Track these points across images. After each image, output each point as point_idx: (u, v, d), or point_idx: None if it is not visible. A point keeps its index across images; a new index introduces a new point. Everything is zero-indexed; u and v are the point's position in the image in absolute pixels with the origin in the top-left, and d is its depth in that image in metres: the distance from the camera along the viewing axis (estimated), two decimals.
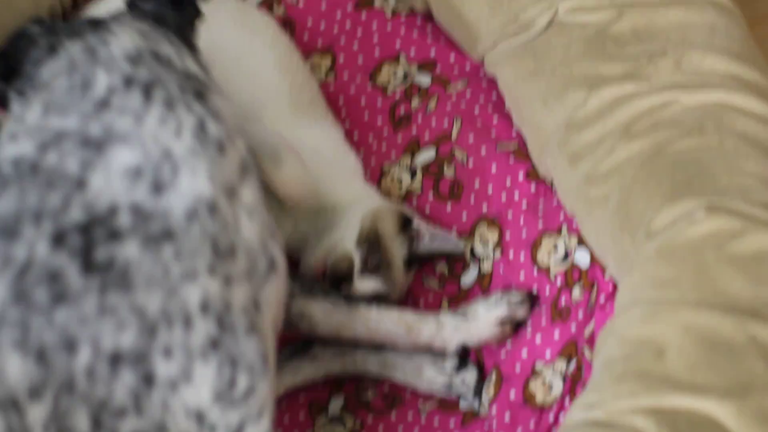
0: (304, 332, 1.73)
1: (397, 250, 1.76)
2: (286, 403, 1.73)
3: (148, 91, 1.44)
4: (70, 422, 1.35)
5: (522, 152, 1.81)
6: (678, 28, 1.68)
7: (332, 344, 1.75)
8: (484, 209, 1.81)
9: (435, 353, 1.74)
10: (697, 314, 1.45)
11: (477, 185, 1.82)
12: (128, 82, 1.45)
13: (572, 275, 1.71)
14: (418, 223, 1.78)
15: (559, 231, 1.74)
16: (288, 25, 1.99)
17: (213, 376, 1.39)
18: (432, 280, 1.81)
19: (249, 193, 1.49)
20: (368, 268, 1.74)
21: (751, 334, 1.42)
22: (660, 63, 1.65)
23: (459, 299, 1.80)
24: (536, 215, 1.76)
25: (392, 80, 1.94)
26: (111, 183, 1.38)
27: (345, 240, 1.75)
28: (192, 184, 1.41)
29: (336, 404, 1.75)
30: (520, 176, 1.80)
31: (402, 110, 1.92)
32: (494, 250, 1.79)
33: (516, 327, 1.74)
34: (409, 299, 1.80)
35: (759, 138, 1.58)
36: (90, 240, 1.36)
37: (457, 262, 1.81)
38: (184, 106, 1.45)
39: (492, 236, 1.79)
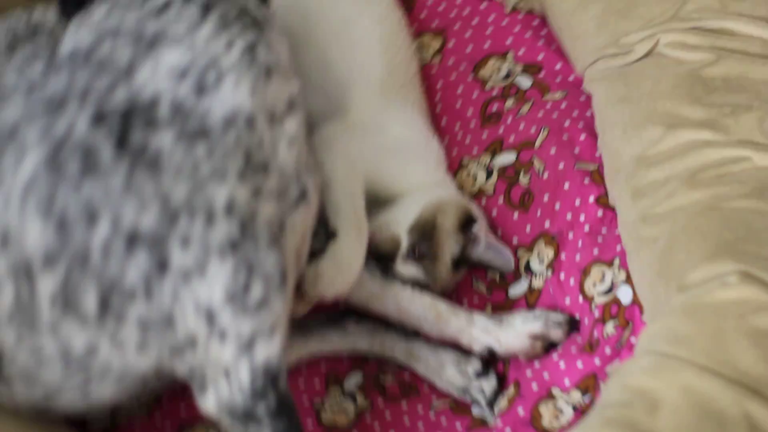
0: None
1: (448, 247, 1.77)
2: (306, 368, 1.78)
3: (207, 7, 1.48)
4: (77, 299, 1.40)
5: (599, 175, 1.78)
6: None
7: (365, 322, 1.78)
8: (547, 225, 1.80)
9: (461, 354, 1.76)
10: (701, 378, 1.42)
11: (546, 199, 1.81)
12: (207, 8, 1.49)
13: (610, 310, 1.69)
14: (479, 227, 1.78)
15: (611, 262, 1.71)
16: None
17: (227, 276, 1.41)
18: (481, 284, 1.82)
19: (293, 125, 1.52)
20: (414, 255, 1.75)
21: (746, 410, 1.39)
22: (742, 117, 1.61)
23: (503, 308, 1.80)
24: (595, 241, 1.74)
25: (494, 76, 1.94)
26: (156, 77, 1.43)
27: (399, 222, 1.77)
28: (234, 94, 1.44)
29: (353, 380, 1.78)
30: (591, 199, 1.77)
31: (495, 107, 1.91)
32: (548, 268, 1.78)
33: (548, 347, 1.74)
34: (454, 298, 1.81)
35: None
36: (128, 124, 1.40)
37: (509, 273, 1.81)
38: (238, 28, 1.48)
39: (549, 254, 1.78)
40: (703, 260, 1.51)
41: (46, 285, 1.40)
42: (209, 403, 1.47)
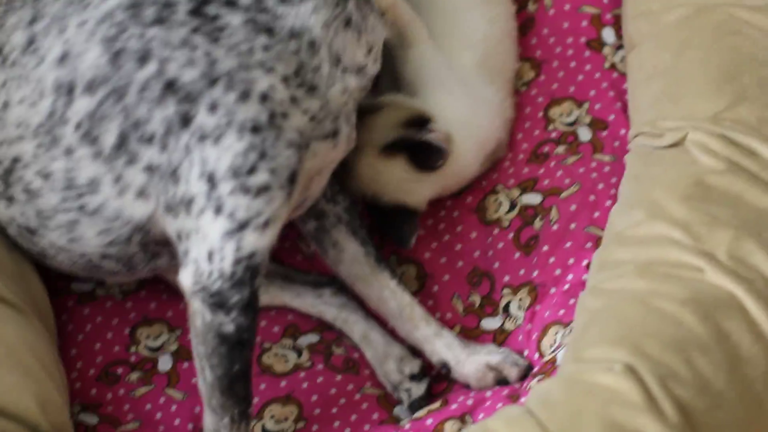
0: (328, 262, 1.90)
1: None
2: (274, 313, 1.93)
3: None
4: (100, 129, 1.60)
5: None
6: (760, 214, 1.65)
7: (342, 295, 1.92)
8: (535, 274, 1.88)
9: (410, 354, 1.87)
10: None
11: (545, 249, 1.88)
12: None
13: (545, 367, 1.76)
14: (435, 137, 1.87)
15: (568, 325, 1.78)
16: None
17: (238, 152, 1.56)
18: (460, 303, 1.91)
19: (354, 84, 1.67)
20: None
21: None
22: (718, 231, 1.63)
23: (471, 335, 1.89)
24: (566, 303, 1.80)
25: (561, 118, 2.02)
26: None
27: None
28: (309, 16, 1.60)
29: (307, 339, 1.92)
30: (584, 262, 1.83)
31: (546, 149, 1.99)
32: (523, 316, 1.86)
33: (500, 382, 1.83)
34: (429, 306, 1.92)
35: None
36: None
37: (489, 305, 1.90)
38: None
39: (527, 302, 1.86)
40: (605, 342, 1.56)
41: (80, 107, 1.60)
42: (187, 277, 1.61)
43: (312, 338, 1.92)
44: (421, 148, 1.87)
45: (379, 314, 1.90)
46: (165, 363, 1.89)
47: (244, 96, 1.57)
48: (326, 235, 1.88)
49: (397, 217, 1.90)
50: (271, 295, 1.92)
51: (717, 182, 1.68)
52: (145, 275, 1.83)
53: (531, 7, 2.13)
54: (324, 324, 1.93)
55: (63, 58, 1.61)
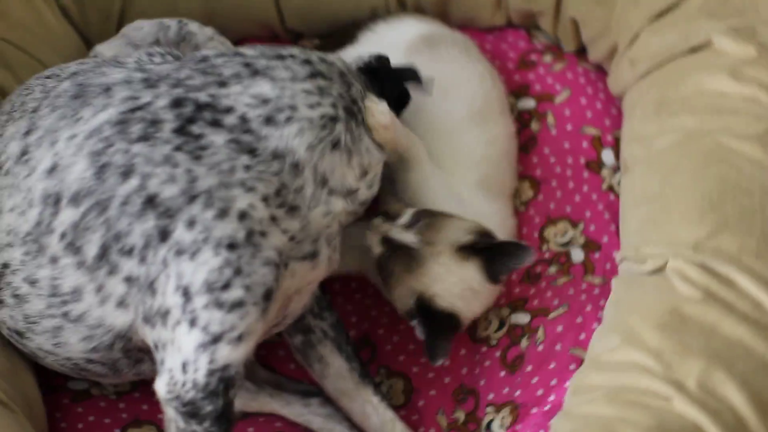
0: (314, 376, 1.94)
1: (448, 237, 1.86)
2: (262, 420, 1.96)
3: (314, 75, 1.73)
4: (83, 241, 1.65)
5: None
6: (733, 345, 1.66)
7: (329, 406, 1.94)
8: (518, 394, 1.90)
9: None
10: None
11: (529, 369, 1.91)
12: (307, 62, 1.75)
13: None
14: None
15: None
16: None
17: (213, 267, 1.61)
18: (443, 418, 1.93)
19: (340, 207, 1.73)
20: (413, 225, 1.85)
21: None
22: (689, 360, 1.64)
23: None
24: (545, 424, 1.81)
25: (556, 239, 2.05)
26: (242, 96, 1.69)
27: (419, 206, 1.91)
28: (294, 139, 1.67)
29: None
30: (566, 384, 1.83)
31: (538, 269, 2.02)
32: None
33: None
34: (412, 420, 1.94)
35: None
36: (197, 115, 1.66)
37: (472, 422, 1.92)
38: (331, 99, 1.72)
39: (507, 421, 1.88)
40: None
41: (65, 218, 1.66)
42: (162, 386, 1.65)
43: None
44: (497, 253, 1.86)
45: (362, 428, 1.93)
46: None
47: (222, 213, 1.62)
48: (312, 349, 1.92)
49: (440, 328, 1.87)
50: (261, 402, 1.96)
51: (692, 311, 1.70)
52: (132, 379, 1.87)
53: (534, 126, 2.17)
54: None
55: (52, 170, 1.68)
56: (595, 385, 1.70)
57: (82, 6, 2.20)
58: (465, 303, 1.86)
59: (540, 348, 1.92)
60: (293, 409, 1.97)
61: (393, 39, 2.13)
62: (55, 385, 1.97)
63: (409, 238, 1.84)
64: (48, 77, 1.82)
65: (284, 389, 1.99)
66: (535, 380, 1.89)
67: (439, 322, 1.86)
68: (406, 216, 1.86)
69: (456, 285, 1.85)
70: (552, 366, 1.89)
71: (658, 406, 1.62)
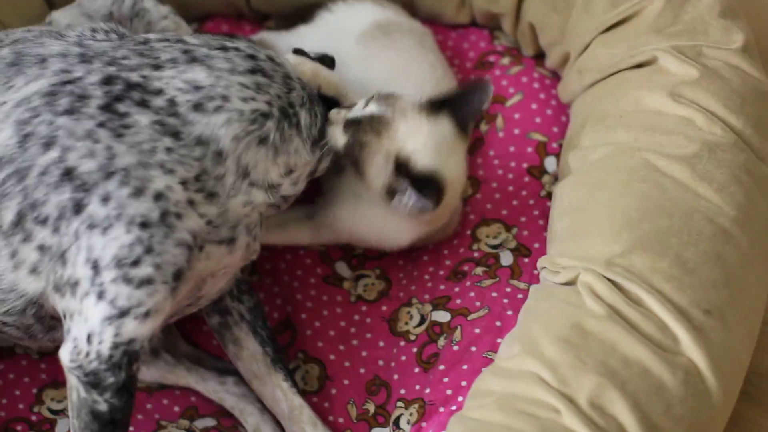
0: (229, 356, 1.96)
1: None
2: (178, 392, 2.00)
3: (254, 71, 1.76)
4: (1, 206, 1.67)
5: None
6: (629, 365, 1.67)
7: (243, 386, 1.98)
8: (428, 391, 1.91)
9: None
10: None
11: (442, 368, 1.92)
12: (251, 57, 1.78)
13: None
14: None
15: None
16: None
17: (124, 244, 1.64)
18: (353, 408, 1.96)
19: (261, 199, 1.76)
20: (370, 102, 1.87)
21: None
22: (586, 379, 1.66)
23: None
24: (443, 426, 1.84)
25: (487, 239, 2.06)
26: (175, 80, 1.72)
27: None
28: (221, 128, 1.70)
29: (203, 422, 1.97)
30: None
31: (465, 267, 2.03)
32: (409, 430, 1.90)
33: None
34: (323, 407, 1.97)
35: None
36: (126, 94, 1.69)
37: (381, 415, 1.93)
38: (267, 97, 1.75)
39: (414, 417, 1.89)
40: None
41: None
42: (65, 354, 1.68)
43: (209, 422, 1.98)
44: (459, 102, 1.88)
45: (272, 411, 1.95)
46: (62, 426, 1.95)
47: (138, 192, 1.65)
48: (228, 331, 1.95)
49: (425, 189, 1.85)
50: (177, 376, 1.99)
51: (594, 327, 1.70)
52: (47, 344, 1.90)
53: (483, 127, 2.18)
54: (224, 410, 1.99)
55: None
56: (491, 391, 1.71)
57: None
58: (443, 160, 1.86)
59: (455, 348, 1.93)
60: (208, 386, 2.00)
61: (348, 23, 2.16)
62: None
63: (371, 109, 1.85)
64: None
65: (202, 365, 2.02)
66: (446, 380, 1.90)
67: (424, 181, 1.84)
68: (361, 101, 1.88)
69: (430, 138, 1.85)
70: (464, 367, 1.90)
71: (546, 418, 1.63)
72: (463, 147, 1.90)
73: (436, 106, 1.86)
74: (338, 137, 1.85)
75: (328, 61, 1.96)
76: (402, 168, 1.83)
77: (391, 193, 1.85)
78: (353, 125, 1.84)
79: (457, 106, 1.86)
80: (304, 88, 1.83)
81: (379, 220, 1.97)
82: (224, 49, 1.78)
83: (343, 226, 2.02)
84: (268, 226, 1.96)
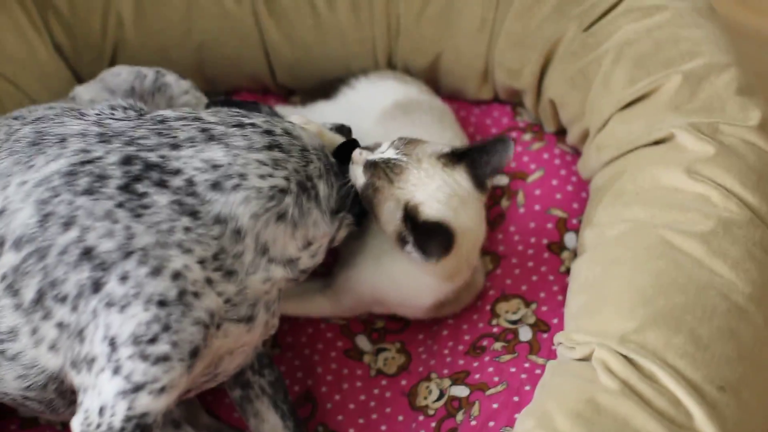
0: (250, 429, 1.99)
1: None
2: None
3: (271, 147, 1.81)
4: (21, 284, 1.72)
5: None
6: None
7: None
8: None
9: None
10: None
11: None
12: (267, 133, 1.83)
13: None
14: None
15: None
16: None
17: (141, 321, 1.67)
18: None
19: (280, 275, 1.80)
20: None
21: None
22: None
23: None
24: None
25: (506, 315, 2.08)
26: (193, 159, 1.76)
27: None
28: (239, 206, 1.75)
29: None
30: None
31: (485, 343, 2.05)
32: None
33: None
34: None
35: None
36: (145, 175, 1.74)
37: None
38: (285, 172, 1.79)
39: None
40: None
41: (7, 261, 1.73)
42: (76, 425, 1.71)
43: None
44: (478, 157, 1.89)
45: None
46: None
47: (156, 272, 1.68)
48: (249, 404, 1.98)
49: (431, 236, 1.87)
50: None
51: (607, 402, 1.71)
52: (68, 418, 1.91)
53: (504, 203, 2.22)
54: None
55: (0, 213, 1.75)
56: None
57: (76, 45, 2.29)
58: (453, 212, 1.87)
59: (473, 423, 1.94)
60: None
61: (369, 102, 2.20)
62: (3, 411, 2.05)
63: (388, 153, 1.88)
64: (15, 118, 1.90)
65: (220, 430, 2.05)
66: None
67: (428, 232, 1.86)
68: (385, 144, 1.91)
69: (440, 190, 1.87)
70: None
71: None
72: (479, 201, 1.92)
73: (455, 158, 1.89)
74: (359, 177, 1.89)
75: (345, 131, 2.00)
76: (409, 217, 1.86)
77: (402, 240, 1.88)
78: (372, 167, 1.88)
79: (477, 160, 1.88)
80: (320, 159, 1.87)
81: (400, 279, 1.99)
82: (241, 126, 1.83)
83: (364, 288, 2.04)
84: (287, 298, 2.00)
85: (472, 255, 1.97)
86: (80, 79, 2.29)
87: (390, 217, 1.88)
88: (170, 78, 2.11)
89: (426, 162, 1.88)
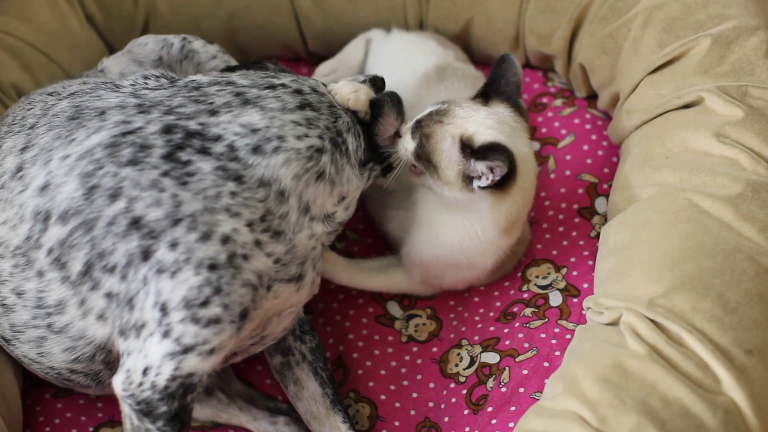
0: (289, 396, 2.04)
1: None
2: (232, 430, 2.07)
3: (303, 106, 1.86)
4: (69, 257, 1.77)
5: None
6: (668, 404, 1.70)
7: (295, 425, 2.05)
8: (467, 430, 1.97)
9: None
10: None
11: (490, 410, 1.97)
12: (298, 92, 1.88)
13: None
14: None
15: None
16: None
17: (193, 285, 1.72)
18: None
19: (321, 230, 1.86)
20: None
21: None
22: (626, 419, 1.69)
23: None
24: None
25: (537, 280, 2.11)
26: (232, 125, 1.81)
27: None
28: (281, 168, 1.80)
29: None
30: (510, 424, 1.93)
31: (515, 308, 2.09)
32: None
33: None
34: None
35: None
36: (187, 143, 1.78)
37: None
38: (318, 131, 1.85)
39: None
40: None
41: (53, 235, 1.78)
42: (118, 383, 1.75)
43: None
44: (502, 85, 1.99)
45: None
46: None
47: (205, 237, 1.73)
48: (289, 371, 2.02)
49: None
50: (230, 414, 2.07)
51: (635, 367, 1.74)
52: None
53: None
54: None
55: (44, 188, 1.79)
56: (532, 430, 1.76)
57: (108, 15, 2.33)
58: (507, 136, 1.93)
59: (503, 389, 1.98)
60: (260, 425, 2.06)
61: (410, 60, 2.25)
62: (40, 379, 2.09)
63: (429, 108, 1.97)
64: (50, 94, 1.94)
65: (255, 404, 2.09)
66: (494, 422, 1.95)
67: (490, 151, 1.90)
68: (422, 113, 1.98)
69: (489, 118, 1.94)
70: (512, 409, 1.95)
71: None
72: (524, 129, 1.98)
73: (484, 98, 1.97)
74: (408, 144, 1.96)
75: (378, 82, 2.04)
76: (467, 147, 1.91)
77: (467, 179, 1.92)
78: (418, 127, 1.94)
79: (499, 87, 1.97)
80: (347, 112, 1.92)
81: (462, 242, 2.02)
82: (272, 87, 1.87)
83: (427, 259, 2.06)
84: (369, 274, 2.12)
85: (529, 183, 1.99)
86: (112, 50, 2.33)
87: (448, 159, 1.92)
88: (197, 44, 2.14)
89: (465, 101, 1.96)
